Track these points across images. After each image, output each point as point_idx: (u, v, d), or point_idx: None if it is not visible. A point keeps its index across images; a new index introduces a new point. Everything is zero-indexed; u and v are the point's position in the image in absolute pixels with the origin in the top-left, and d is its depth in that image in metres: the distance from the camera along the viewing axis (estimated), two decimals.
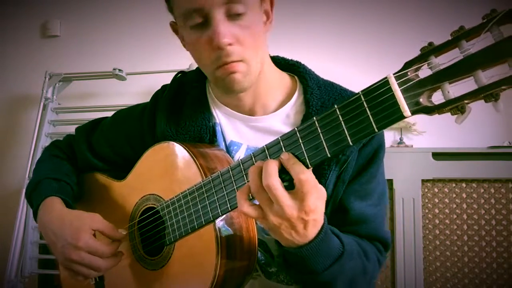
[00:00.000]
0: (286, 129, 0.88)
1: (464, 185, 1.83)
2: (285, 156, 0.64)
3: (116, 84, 2.35)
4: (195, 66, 2.35)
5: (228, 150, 0.93)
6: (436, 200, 1.84)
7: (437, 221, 1.83)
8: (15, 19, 2.60)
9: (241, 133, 0.93)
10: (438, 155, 1.83)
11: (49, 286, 2.23)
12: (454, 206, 1.83)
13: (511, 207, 1.79)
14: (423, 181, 1.84)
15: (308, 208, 0.63)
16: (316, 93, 0.89)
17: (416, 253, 1.81)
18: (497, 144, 1.91)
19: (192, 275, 0.83)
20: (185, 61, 2.20)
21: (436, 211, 1.84)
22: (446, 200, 1.83)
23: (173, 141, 0.91)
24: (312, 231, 0.67)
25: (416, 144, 2.13)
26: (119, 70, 2.27)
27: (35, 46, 2.57)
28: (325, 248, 0.71)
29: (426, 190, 1.85)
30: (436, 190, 1.84)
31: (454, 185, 1.83)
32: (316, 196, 0.63)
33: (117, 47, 2.48)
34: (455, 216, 1.82)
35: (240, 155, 0.92)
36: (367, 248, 0.86)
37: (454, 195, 1.83)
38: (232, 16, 0.78)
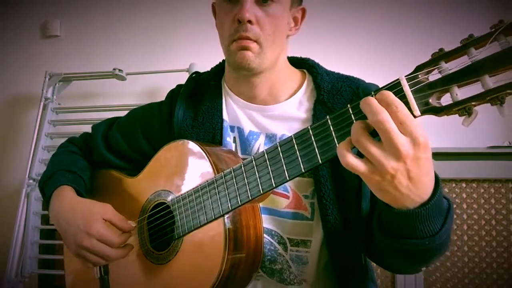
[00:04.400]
0: (300, 114, 0.95)
1: (464, 185, 1.83)
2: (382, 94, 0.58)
3: (116, 84, 2.35)
4: (195, 66, 2.35)
5: (247, 139, 0.96)
6: None
7: None
8: (15, 19, 2.59)
9: (257, 123, 0.97)
10: (438, 155, 1.82)
11: (49, 286, 2.23)
12: (454, 206, 1.83)
13: (511, 207, 1.79)
14: None
15: (422, 141, 0.56)
16: (325, 78, 0.98)
17: None
18: (497, 144, 1.91)
19: (198, 269, 0.84)
20: (185, 61, 2.21)
21: None
22: None
23: (188, 135, 0.96)
24: (428, 178, 0.60)
25: None
26: (119, 70, 2.27)
27: (35, 46, 2.56)
28: (440, 203, 0.64)
29: None
30: None
31: (454, 185, 1.84)
32: (422, 129, 0.56)
33: (117, 47, 2.48)
34: (455, 216, 1.83)
35: (260, 143, 0.96)
36: None
37: (454, 195, 1.83)
38: (260, 2, 0.89)
